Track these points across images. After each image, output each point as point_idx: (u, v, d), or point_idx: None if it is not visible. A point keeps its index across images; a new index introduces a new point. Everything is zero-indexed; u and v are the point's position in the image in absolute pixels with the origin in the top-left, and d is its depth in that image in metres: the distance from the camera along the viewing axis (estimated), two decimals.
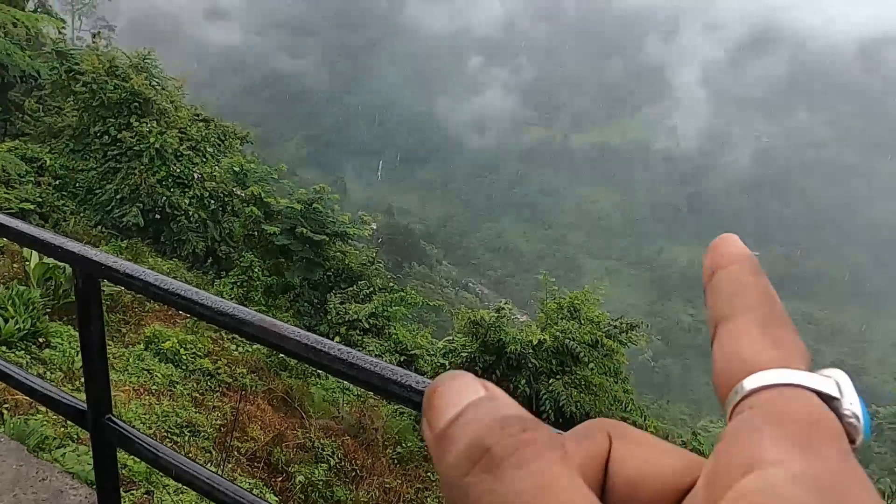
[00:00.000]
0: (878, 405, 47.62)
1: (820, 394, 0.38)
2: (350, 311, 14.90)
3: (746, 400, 0.39)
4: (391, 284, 17.08)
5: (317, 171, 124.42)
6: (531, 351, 12.95)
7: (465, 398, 0.37)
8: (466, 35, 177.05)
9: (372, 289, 15.97)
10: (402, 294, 15.73)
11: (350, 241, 17.29)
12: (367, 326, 14.76)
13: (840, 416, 0.38)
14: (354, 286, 16.05)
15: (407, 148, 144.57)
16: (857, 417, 0.38)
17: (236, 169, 17.55)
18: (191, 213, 17.40)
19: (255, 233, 16.60)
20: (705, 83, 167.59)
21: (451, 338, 14.70)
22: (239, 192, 17.89)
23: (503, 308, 14.08)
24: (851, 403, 0.38)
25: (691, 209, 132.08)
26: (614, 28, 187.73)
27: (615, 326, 13.84)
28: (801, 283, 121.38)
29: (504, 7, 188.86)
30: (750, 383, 0.39)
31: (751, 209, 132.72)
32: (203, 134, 18.58)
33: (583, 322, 13.53)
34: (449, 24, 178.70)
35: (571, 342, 12.89)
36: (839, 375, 0.39)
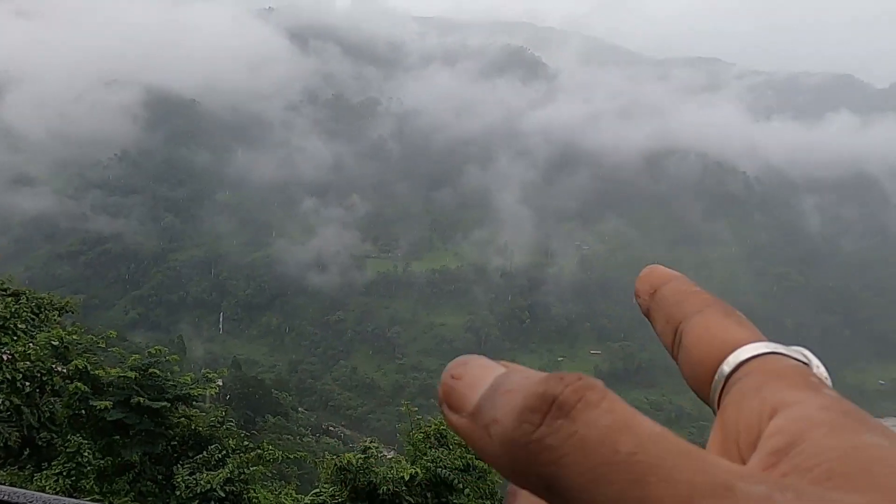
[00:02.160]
0: None
1: (795, 360, 0.43)
2: (202, 482, 13.52)
3: (737, 372, 0.42)
4: (246, 443, 15.87)
5: (151, 333, 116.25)
6: (404, 488, 12.45)
7: (489, 375, 0.37)
8: (296, 180, 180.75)
9: (224, 451, 14.70)
10: (259, 451, 14.63)
11: (195, 403, 16.02)
12: (223, 495, 13.43)
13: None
14: (204, 452, 14.69)
15: (247, 297, 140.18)
16: (827, 379, 0.43)
17: (55, 343, 15.88)
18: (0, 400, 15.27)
19: (83, 411, 14.87)
20: (525, 202, 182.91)
21: (317, 490, 13.76)
22: (60, 369, 16.09)
23: (369, 447, 13.55)
24: (818, 367, 0.44)
25: (533, 318, 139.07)
26: (436, 161, 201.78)
27: None
28: (641, 374, 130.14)
29: (330, 151, 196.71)
30: (737, 357, 0.43)
31: (584, 311, 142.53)
32: (12, 310, 16.76)
33: (451, 447, 13.34)
34: (277, 171, 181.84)
35: (443, 470, 12.59)
36: (803, 350, 0.44)
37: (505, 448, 0.34)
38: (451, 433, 14.11)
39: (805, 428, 0.36)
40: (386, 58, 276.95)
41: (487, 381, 0.36)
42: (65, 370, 15.86)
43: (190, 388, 15.72)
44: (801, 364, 0.42)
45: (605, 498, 0.32)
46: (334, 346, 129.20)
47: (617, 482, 0.32)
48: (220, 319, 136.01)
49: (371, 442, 14.26)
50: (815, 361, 0.44)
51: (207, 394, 16.31)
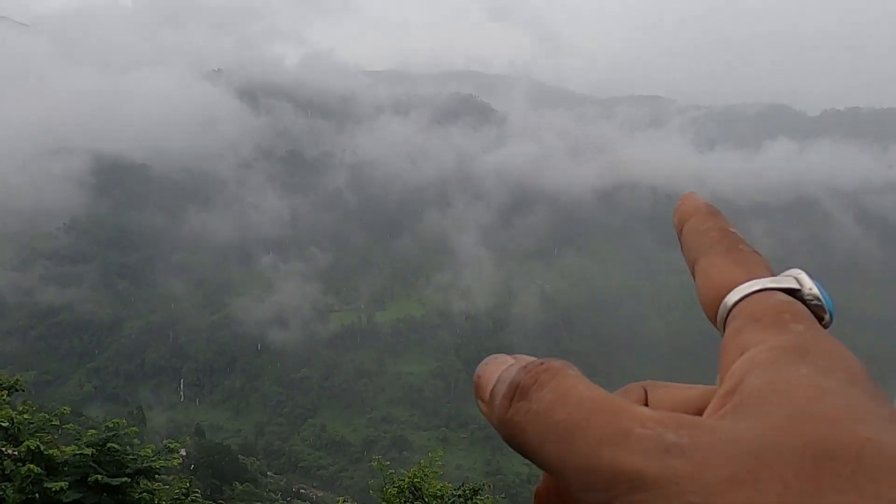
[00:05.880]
0: None
1: (784, 290, 0.49)
2: None
3: (729, 316, 0.49)
4: None
5: (108, 406, 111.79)
6: None
7: (499, 369, 0.52)
8: (253, 237, 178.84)
9: None
10: None
11: (157, 476, 15.35)
12: None
13: (805, 302, 0.48)
14: None
15: (207, 360, 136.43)
16: (818, 299, 0.49)
17: (4, 424, 15.12)
18: None
19: (37, 494, 14.09)
20: (484, 244, 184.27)
21: None
22: (10, 451, 15.29)
23: None
24: (811, 289, 0.49)
25: None
26: (393, 210, 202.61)
27: (459, 495, 13.52)
28: None
29: (287, 206, 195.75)
30: (728, 301, 0.50)
31: (550, 348, 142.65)
32: None
33: (427, 499, 13.06)
34: (233, 229, 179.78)
35: None
36: (797, 272, 0.50)
37: (497, 426, 0.47)
38: (426, 485, 13.82)
39: (748, 368, 0.43)
40: (338, 111, 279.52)
41: (497, 374, 0.50)
42: (16, 452, 15.07)
43: (151, 461, 15.06)
44: (783, 298, 0.48)
45: (550, 455, 0.44)
46: (301, 404, 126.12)
47: (554, 442, 0.43)
48: (181, 386, 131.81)
49: (344, 501, 13.87)
50: (807, 284, 0.49)
51: (171, 465, 15.64)
